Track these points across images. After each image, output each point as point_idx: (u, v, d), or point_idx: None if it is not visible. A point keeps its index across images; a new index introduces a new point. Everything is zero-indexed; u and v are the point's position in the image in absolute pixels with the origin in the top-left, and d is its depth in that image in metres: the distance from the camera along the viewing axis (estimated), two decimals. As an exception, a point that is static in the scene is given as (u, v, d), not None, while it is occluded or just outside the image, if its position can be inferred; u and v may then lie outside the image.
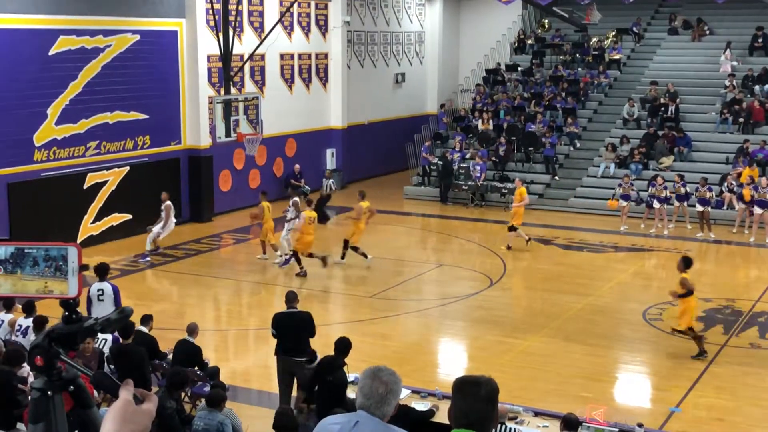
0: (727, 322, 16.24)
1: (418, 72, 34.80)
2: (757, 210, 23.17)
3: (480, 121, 30.27)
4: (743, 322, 16.26)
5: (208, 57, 24.36)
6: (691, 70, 31.24)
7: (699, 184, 24.01)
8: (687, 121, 28.87)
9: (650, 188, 24.48)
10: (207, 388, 11.46)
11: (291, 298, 11.94)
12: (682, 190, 24.22)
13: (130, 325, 11.00)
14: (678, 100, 29.21)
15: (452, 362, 15.06)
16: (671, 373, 13.87)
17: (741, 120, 28.05)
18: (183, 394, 11.93)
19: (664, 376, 13.92)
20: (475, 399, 3.66)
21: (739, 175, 24.77)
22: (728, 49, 30.79)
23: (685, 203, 24.19)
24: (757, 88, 29.17)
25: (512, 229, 21.68)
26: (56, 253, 2.56)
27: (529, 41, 34.78)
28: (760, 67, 29.73)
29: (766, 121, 28.19)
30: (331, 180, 28.61)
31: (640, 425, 10.01)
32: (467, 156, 28.62)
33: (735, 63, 30.56)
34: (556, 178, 27.97)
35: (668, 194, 24.09)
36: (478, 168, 27.35)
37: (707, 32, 32.58)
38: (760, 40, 31.18)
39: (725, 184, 24.31)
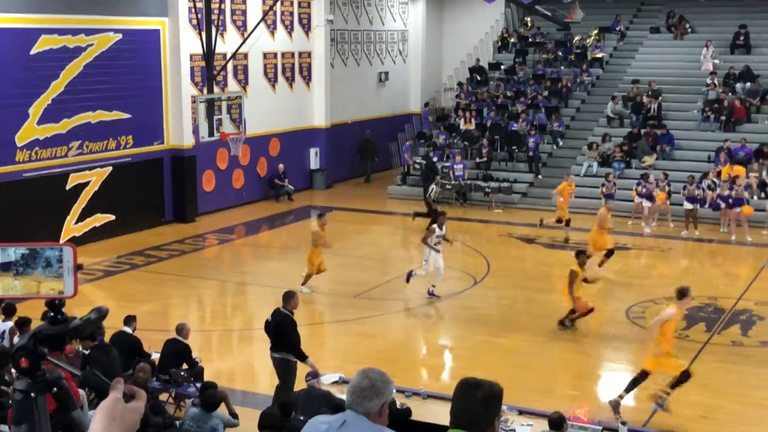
0: (709, 320, 16.32)
1: (401, 71, 34.80)
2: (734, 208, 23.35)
3: (462, 120, 30.31)
4: (725, 320, 16.35)
5: (191, 56, 24.26)
6: (673, 69, 31.39)
7: (687, 182, 24.19)
8: (669, 119, 29.01)
9: (638, 187, 24.57)
10: (192, 389, 11.42)
11: (285, 297, 11.91)
12: (667, 189, 24.47)
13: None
14: (660, 98, 29.35)
15: (437, 362, 15.08)
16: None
17: (723, 118, 28.22)
18: (167, 396, 11.90)
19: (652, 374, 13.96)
20: (471, 401, 3.66)
21: (719, 173, 24.93)
22: (710, 48, 30.97)
23: (668, 201, 24.42)
24: (738, 86, 29.33)
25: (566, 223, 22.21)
26: (51, 254, 2.55)
27: (512, 40, 34.85)
28: (742, 65, 29.90)
29: (747, 119, 28.37)
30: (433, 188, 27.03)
31: (624, 423, 10.05)
32: (449, 156, 28.65)
33: (716, 61, 30.73)
34: (540, 177, 28.04)
35: (656, 192, 24.34)
36: (459, 167, 27.38)
37: (689, 30, 32.75)
38: (741, 38, 31.35)
39: (705, 182, 24.44)
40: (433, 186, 26.64)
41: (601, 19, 33.97)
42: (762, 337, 15.48)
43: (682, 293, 11.83)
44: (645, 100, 29.40)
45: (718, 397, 12.88)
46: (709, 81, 29.53)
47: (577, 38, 33.50)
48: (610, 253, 19.26)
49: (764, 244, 22.40)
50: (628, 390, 11.99)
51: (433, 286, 17.46)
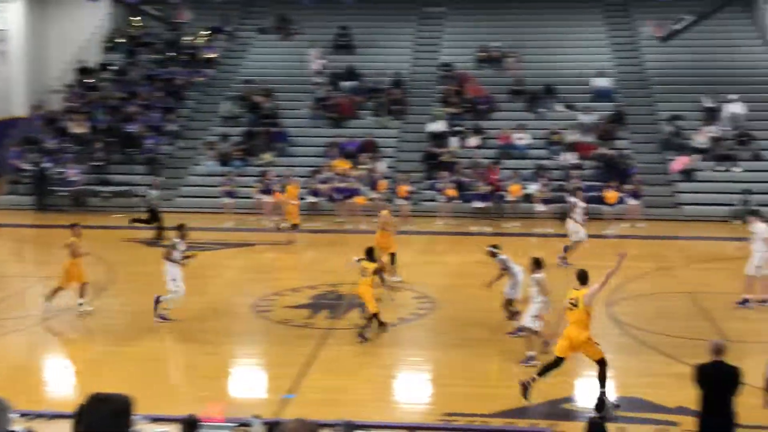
0: (332, 306, 17.09)
1: (2, 72, 32.40)
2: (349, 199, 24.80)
3: (73, 123, 28.94)
4: (347, 305, 17.21)
5: None
6: (283, 68, 32.45)
7: (309, 176, 25.22)
8: (283, 117, 29.98)
9: (258, 183, 25.18)
10: None
11: None
12: (293, 184, 25.29)
13: None
14: (273, 97, 30.23)
15: (59, 379, 14.24)
16: (283, 361, 14.28)
17: (332, 115, 29.71)
18: None
19: (276, 364, 14.31)
20: (100, 416, 3.50)
21: (331, 167, 26.28)
22: (316, 48, 32.42)
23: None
24: (344, 84, 31.04)
25: None
26: None
27: (122, 40, 33.90)
28: (346, 65, 31.68)
29: (353, 116, 30.14)
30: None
31: (257, 416, 10.18)
32: (61, 161, 27.24)
33: (323, 61, 32.26)
34: (160, 178, 27.61)
35: (276, 188, 25.05)
36: (73, 173, 26.12)
37: (295, 32, 34.01)
38: (344, 39, 33.20)
39: (320, 176, 25.61)
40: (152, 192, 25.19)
41: (211, 19, 34.20)
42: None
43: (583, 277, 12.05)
44: (259, 99, 30.10)
45: (345, 379, 13.49)
46: (317, 80, 30.93)
47: (187, 38, 33.40)
48: (392, 256, 19.33)
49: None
50: (541, 373, 12.21)
51: (166, 308, 16.18)
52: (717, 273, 19.64)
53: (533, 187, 25.33)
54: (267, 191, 24.89)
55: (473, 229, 24.42)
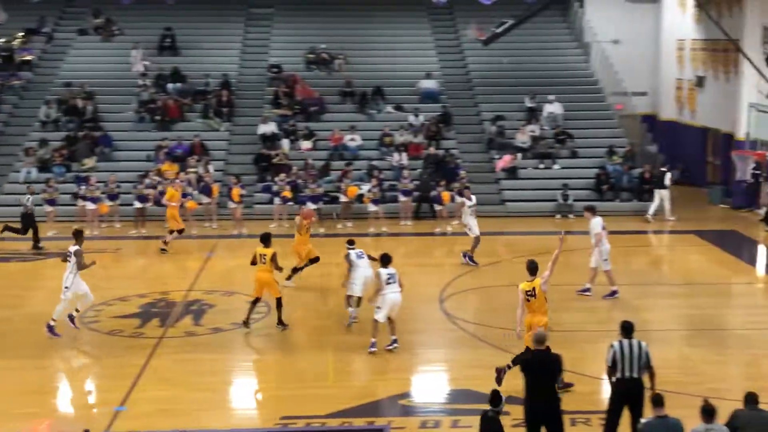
0: (162, 315, 16.65)
1: None
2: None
3: None
4: (178, 313, 16.82)
5: None
6: (105, 70, 31.42)
7: (137, 181, 24.54)
8: (106, 121, 29.02)
9: (81, 188, 24.31)
10: None
11: None
12: (116, 190, 24.56)
13: None
14: (95, 100, 29.22)
15: None
16: (114, 372, 13.80)
17: (158, 118, 28.98)
18: None
19: (107, 376, 13.82)
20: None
21: (159, 171, 25.64)
22: (139, 49, 31.56)
23: (117, 202, 24.54)
24: (169, 86, 30.35)
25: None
26: None
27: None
28: (171, 66, 30.99)
29: (181, 118, 29.52)
30: None
31: (87, 431, 9.79)
32: None
33: (147, 63, 31.44)
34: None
35: (100, 194, 24.20)
36: None
37: (117, 32, 33.00)
38: (168, 39, 32.46)
39: (147, 180, 24.90)
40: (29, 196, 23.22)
41: (26, 20, 32.69)
42: (213, 324, 16.20)
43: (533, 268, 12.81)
44: (80, 103, 29.02)
45: (177, 388, 13.17)
46: (141, 82, 30.11)
47: (2, 40, 31.79)
48: (315, 260, 18.80)
49: (208, 236, 23.52)
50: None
51: (77, 311, 15.49)
52: (542, 266, 20.38)
53: (365, 188, 25.56)
54: (90, 198, 24.04)
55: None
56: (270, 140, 28.21)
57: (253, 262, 15.89)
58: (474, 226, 20.54)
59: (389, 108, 30.25)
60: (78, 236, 15.68)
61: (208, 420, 12.07)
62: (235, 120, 29.81)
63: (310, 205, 23.80)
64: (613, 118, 30.56)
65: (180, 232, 22.14)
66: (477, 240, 20.48)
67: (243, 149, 28.65)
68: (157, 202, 24.32)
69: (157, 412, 12.29)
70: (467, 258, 20.38)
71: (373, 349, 14.19)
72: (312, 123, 29.33)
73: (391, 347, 14.31)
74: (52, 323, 15.16)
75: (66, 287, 15.18)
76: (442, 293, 17.86)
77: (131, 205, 24.54)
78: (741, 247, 22.91)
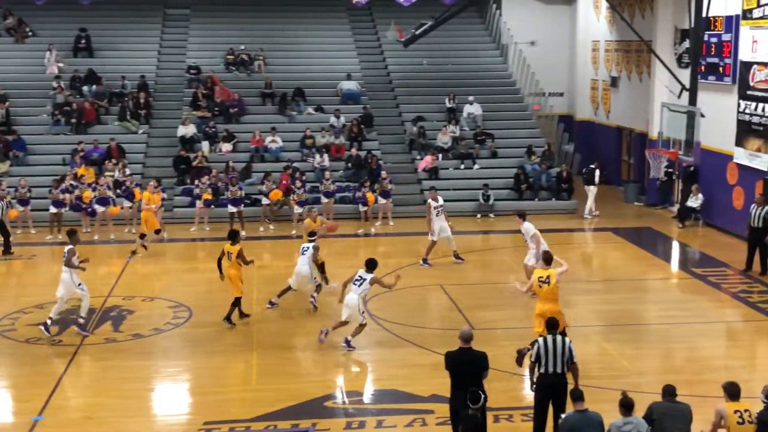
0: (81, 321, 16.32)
1: None
2: (98, 208, 23.81)
3: None
4: (97, 319, 16.52)
5: None
6: (18, 73, 30.67)
7: (52, 186, 23.96)
8: (19, 125, 28.33)
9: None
10: None
11: None
12: (27, 195, 23.98)
13: None
14: (7, 103, 28.48)
15: None
16: (30, 381, 13.49)
17: (74, 121, 28.39)
18: None
19: (23, 386, 13.49)
20: None
21: (76, 175, 25.11)
22: (53, 51, 30.87)
23: (28, 207, 23.93)
24: (85, 88, 29.76)
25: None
26: None
27: None
28: (86, 68, 30.39)
29: (97, 121, 28.96)
30: None
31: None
32: None
33: (61, 65, 30.77)
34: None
35: (10, 200, 23.56)
36: None
37: (30, 34, 32.23)
38: (83, 41, 31.81)
39: (63, 184, 24.33)
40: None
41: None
42: (133, 330, 15.96)
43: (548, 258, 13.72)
44: (-8, 105, 28.24)
45: (99, 395, 12.95)
46: (55, 84, 29.45)
47: None
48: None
49: (127, 240, 23.12)
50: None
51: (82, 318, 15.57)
52: (465, 265, 20.62)
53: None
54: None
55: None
56: (189, 143, 27.88)
57: (220, 259, 16.08)
58: (437, 229, 20.60)
59: (310, 109, 30.18)
60: (72, 236, 15.84)
61: (131, 427, 11.91)
62: (153, 122, 29.37)
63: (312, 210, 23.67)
64: (531, 119, 31.07)
65: (157, 232, 22.19)
66: (433, 243, 20.64)
67: (161, 152, 28.25)
68: (74, 207, 23.84)
69: (81, 420, 12.09)
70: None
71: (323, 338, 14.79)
72: (232, 125, 29.09)
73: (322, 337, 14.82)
74: (81, 320, 15.57)
75: (79, 283, 15.55)
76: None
77: (47, 210, 23.96)
78: (655, 244, 23.54)
